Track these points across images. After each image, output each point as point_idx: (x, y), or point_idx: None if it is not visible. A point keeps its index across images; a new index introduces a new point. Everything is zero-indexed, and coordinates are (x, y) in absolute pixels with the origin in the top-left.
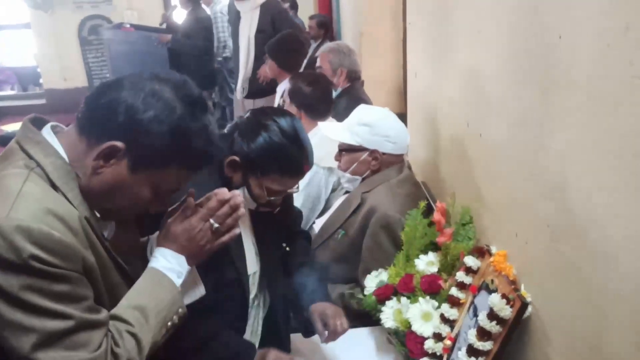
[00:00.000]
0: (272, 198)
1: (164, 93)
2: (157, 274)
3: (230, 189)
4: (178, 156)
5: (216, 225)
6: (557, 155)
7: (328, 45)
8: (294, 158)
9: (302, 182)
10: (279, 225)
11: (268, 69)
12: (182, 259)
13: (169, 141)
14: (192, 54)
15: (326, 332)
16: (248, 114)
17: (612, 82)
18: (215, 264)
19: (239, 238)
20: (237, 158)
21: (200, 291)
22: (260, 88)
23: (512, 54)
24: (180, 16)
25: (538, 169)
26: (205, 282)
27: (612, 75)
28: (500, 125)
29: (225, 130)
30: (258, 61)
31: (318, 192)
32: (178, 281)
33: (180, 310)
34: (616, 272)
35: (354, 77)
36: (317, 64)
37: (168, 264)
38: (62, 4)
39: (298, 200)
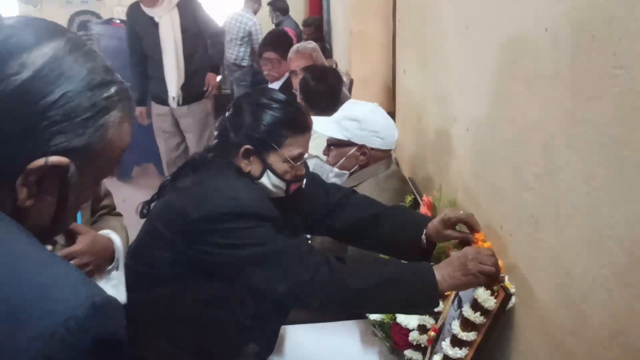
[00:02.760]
0: (298, 164)
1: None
2: None
3: (249, 190)
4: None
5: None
6: (540, 146)
7: (307, 44)
8: (297, 114)
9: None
10: (295, 213)
11: (272, 67)
12: None
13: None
14: None
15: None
16: (231, 107)
17: (595, 73)
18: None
19: None
20: (249, 146)
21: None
22: (195, 92)
23: (499, 48)
24: None
25: (522, 160)
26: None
27: (595, 66)
28: (486, 119)
29: (216, 135)
30: (188, 63)
31: None
32: None
33: None
34: (597, 261)
35: None
36: (298, 61)
37: None
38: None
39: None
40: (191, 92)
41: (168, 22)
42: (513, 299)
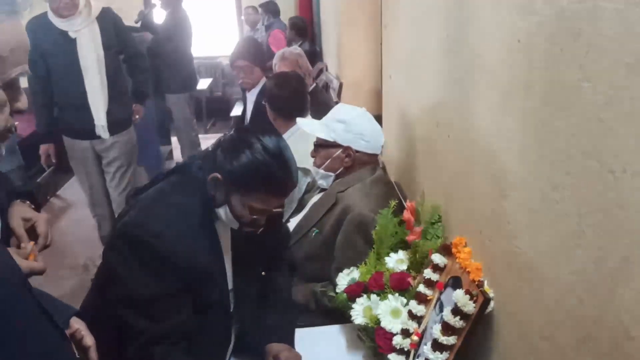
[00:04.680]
0: (255, 217)
1: None
2: None
3: (212, 208)
4: None
5: None
6: (515, 155)
7: (292, 50)
8: (278, 177)
9: None
10: (259, 247)
11: (244, 74)
12: None
13: None
14: (174, 55)
15: None
16: (232, 132)
17: (564, 84)
18: (198, 286)
19: (219, 256)
20: (219, 175)
21: None
22: (119, 119)
23: (477, 58)
24: (159, 16)
25: (499, 168)
26: (188, 306)
27: (563, 78)
28: (465, 127)
29: (210, 148)
30: (111, 86)
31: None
32: None
33: None
34: (567, 267)
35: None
36: (284, 67)
37: None
38: (40, 3)
39: None
40: (115, 120)
41: (88, 38)
42: (492, 304)
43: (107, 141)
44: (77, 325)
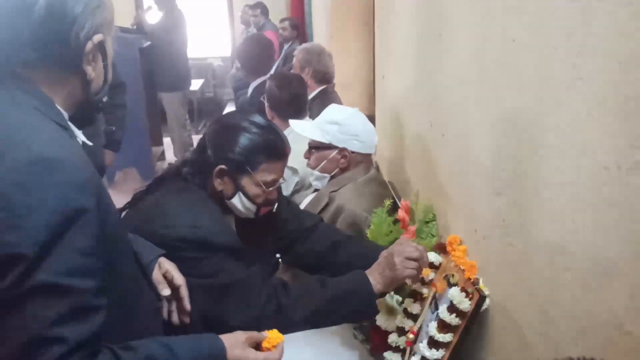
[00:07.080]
0: (270, 189)
1: None
2: None
3: (224, 203)
4: None
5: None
6: (509, 153)
7: (303, 45)
8: (276, 142)
9: None
10: (266, 233)
11: (240, 73)
12: None
13: None
14: (169, 53)
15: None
16: (211, 125)
17: (557, 82)
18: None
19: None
20: (223, 166)
21: None
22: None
23: (470, 57)
24: (153, 17)
25: (492, 166)
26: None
27: (557, 76)
28: (459, 126)
29: (191, 151)
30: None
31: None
32: None
33: None
34: (562, 263)
35: (321, 79)
36: (297, 59)
37: None
38: None
39: None
40: None
41: None
42: (487, 301)
43: None
44: (167, 265)
